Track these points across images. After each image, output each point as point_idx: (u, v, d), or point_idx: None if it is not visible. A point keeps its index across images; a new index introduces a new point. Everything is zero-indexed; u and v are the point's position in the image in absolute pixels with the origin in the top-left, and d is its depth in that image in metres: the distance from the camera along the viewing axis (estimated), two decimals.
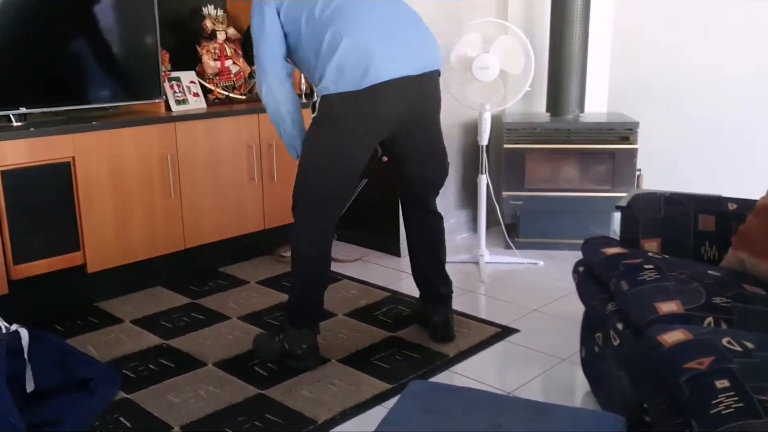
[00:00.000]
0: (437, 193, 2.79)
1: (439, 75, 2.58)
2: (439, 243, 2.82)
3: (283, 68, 2.50)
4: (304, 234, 2.54)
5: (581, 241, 4.10)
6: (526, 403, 1.48)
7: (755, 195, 2.21)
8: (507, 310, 3.11)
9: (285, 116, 2.52)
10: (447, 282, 2.85)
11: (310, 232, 2.53)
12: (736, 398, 1.31)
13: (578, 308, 3.06)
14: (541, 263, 3.68)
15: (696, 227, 2.24)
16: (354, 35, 2.33)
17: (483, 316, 3.04)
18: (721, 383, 1.36)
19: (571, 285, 3.35)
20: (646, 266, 1.98)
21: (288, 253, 3.58)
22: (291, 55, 2.55)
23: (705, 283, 1.85)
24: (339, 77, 2.34)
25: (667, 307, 1.77)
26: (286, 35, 2.49)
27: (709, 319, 1.73)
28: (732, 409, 1.29)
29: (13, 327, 2.22)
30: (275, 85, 2.48)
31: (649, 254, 2.13)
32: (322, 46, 2.37)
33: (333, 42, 2.34)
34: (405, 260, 3.76)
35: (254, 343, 2.70)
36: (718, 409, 1.31)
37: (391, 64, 2.35)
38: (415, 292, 3.24)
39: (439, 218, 2.80)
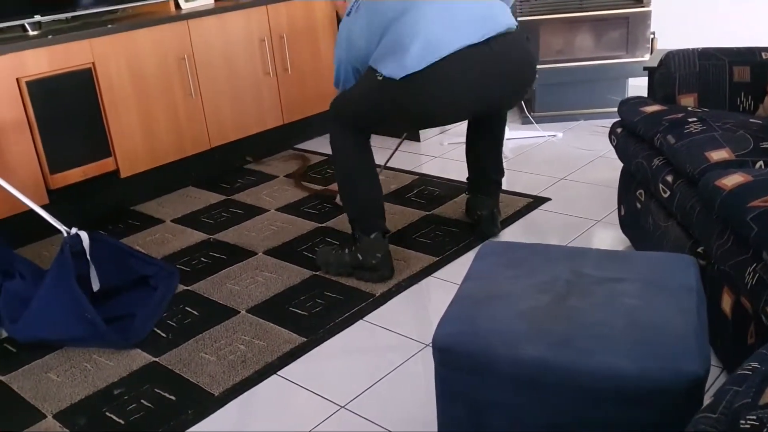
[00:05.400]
0: None
1: (518, 31, 2.37)
2: (501, 128, 2.74)
3: None
4: (341, 138, 2.46)
5: (597, 110, 4.12)
6: (600, 252, 1.56)
7: None
8: (535, 182, 3.18)
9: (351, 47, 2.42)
10: (500, 170, 2.77)
11: (347, 136, 2.44)
12: None
13: (604, 174, 3.17)
14: (560, 135, 3.73)
15: (731, 79, 2.28)
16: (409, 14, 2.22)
17: (513, 189, 3.12)
18: None
19: (592, 153, 3.46)
20: (690, 119, 2.03)
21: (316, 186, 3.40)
22: None
23: (750, 130, 1.92)
24: (387, 56, 2.23)
25: (718, 155, 1.84)
26: None
27: (760, 163, 1.80)
28: None
29: (73, 230, 2.28)
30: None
31: (689, 109, 2.17)
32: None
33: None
34: (425, 144, 3.81)
35: (319, 259, 2.55)
36: None
37: (447, 36, 2.19)
38: (442, 173, 3.31)
39: None
